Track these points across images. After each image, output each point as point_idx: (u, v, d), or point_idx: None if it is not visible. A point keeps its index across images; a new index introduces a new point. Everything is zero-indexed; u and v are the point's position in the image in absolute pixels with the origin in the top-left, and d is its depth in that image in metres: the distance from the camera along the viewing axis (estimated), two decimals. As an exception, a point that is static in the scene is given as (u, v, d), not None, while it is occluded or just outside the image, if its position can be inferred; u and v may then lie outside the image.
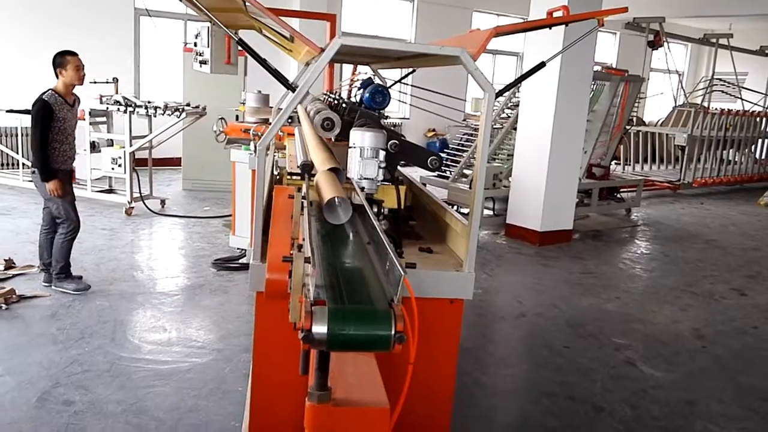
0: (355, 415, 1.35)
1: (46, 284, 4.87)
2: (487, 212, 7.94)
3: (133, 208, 7.44)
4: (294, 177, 2.51)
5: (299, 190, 1.96)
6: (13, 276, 5.06)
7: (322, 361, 1.32)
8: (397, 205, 2.35)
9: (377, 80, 4.22)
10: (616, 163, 11.40)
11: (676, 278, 6.39)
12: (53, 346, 3.94)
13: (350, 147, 2.21)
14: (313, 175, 2.05)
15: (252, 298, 4.99)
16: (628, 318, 5.15)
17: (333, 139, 3.42)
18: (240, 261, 5.83)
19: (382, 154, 2.18)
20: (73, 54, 4.73)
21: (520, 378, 4.08)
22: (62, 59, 4.69)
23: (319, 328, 1.20)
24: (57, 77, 4.72)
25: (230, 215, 6.41)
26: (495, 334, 4.85)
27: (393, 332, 1.22)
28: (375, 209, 2.21)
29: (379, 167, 2.17)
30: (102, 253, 5.90)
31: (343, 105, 3.76)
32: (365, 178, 2.17)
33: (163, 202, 7.93)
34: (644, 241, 8.14)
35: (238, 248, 5.96)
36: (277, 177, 3.28)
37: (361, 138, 2.21)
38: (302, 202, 1.94)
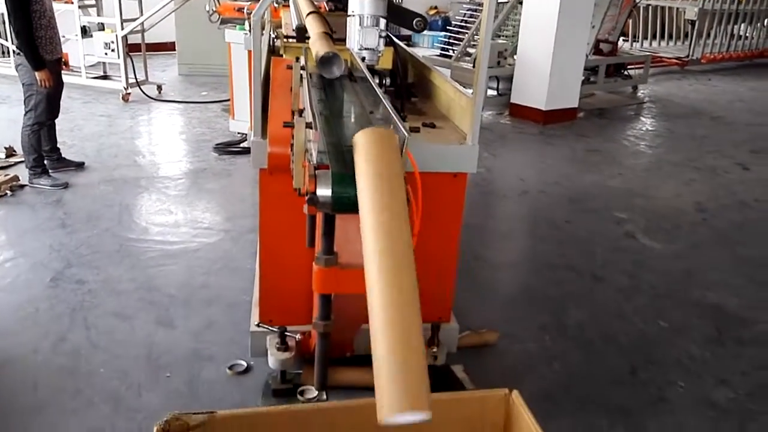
0: (361, 277, 1.38)
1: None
2: (490, 92, 7.79)
3: (129, 94, 7.32)
4: (290, 40, 2.44)
5: (297, 60, 1.90)
6: (15, 164, 5.05)
7: (327, 226, 1.33)
8: (392, 66, 2.30)
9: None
10: (624, 40, 11.04)
11: (680, 154, 6.37)
12: (62, 229, 4.00)
13: (349, 15, 2.12)
14: (308, 38, 2.00)
15: (255, 180, 5.03)
16: (630, 193, 5.18)
17: (328, 10, 3.30)
18: (241, 145, 5.79)
19: (382, 22, 2.10)
20: None
21: (522, 251, 4.16)
22: None
23: (324, 191, 1.20)
24: None
25: (228, 100, 6.32)
26: (498, 211, 4.90)
27: (397, 194, 1.21)
28: (377, 80, 2.15)
29: (380, 36, 2.09)
30: (102, 139, 5.86)
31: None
32: (366, 48, 2.10)
33: (159, 87, 7.78)
34: (650, 119, 8.05)
35: (238, 132, 5.91)
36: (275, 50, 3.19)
37: (360, 5, 2.11)
38: (301, 73, 1.89)
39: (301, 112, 1.46)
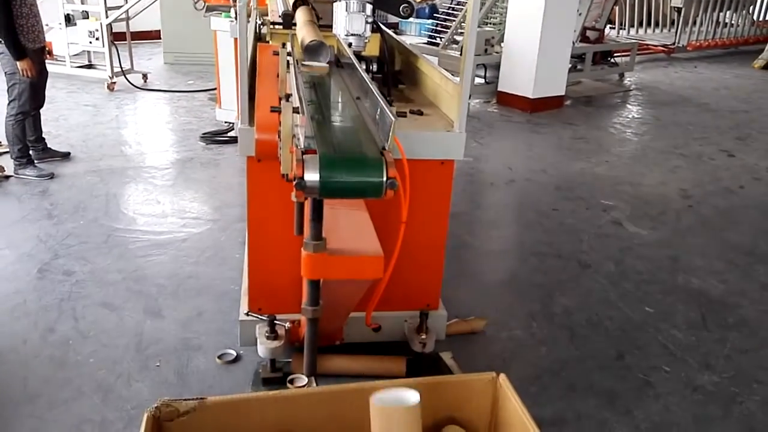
0: (350, 263, 1.39)
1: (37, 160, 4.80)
2: (478, 80, 7.79)
3: (115, 83, 7.25)
4: (276, 26, 2.43)
5: (284, 45, 1.89)
6: (0, 154, 5.00)
7: (315, 212, 1.33)
8: (379, 53, 2.29)
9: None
10: (610, 27, 11.06)
11: (666, 141, 6.41)
12: (48, 220, 3.97)
13: (336, 1, 2.11)
14: (295, 25, 1.99)
15: (243, 170, 5.01)
16: (616, 180, 5.21)
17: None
18: (228, 134, 5.77)
19: (368, 8, 2.09)
20: None
21: (509, 239, 4.18)
22: None
23: (311, 176, 1.20)
24: None
25: (215, 89, 6.28)
26: (485, 199, 4.92)
27: (385, 178, 1.22)
28: (363, 66, 2.15)
29: (367, 22, 2.09)
30: (87, 129, 5.81)
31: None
32: (353, 34, 2.09)
33: (145, 76, 7.71)
34: (636, 106, 8.08)
35: (225, 121, 5.89)
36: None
37: (347, -9, 2.11)
38: (288, 59, 1.89)
39: (288, 97, 1.46)
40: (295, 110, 1.37)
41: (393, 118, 1.27)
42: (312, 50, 1.89)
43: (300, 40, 2.06)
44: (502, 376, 1.49)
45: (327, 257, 1.34)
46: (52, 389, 2.50)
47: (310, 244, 1.34)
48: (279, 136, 1.71)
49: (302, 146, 1.26)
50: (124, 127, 6.07)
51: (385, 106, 1.35)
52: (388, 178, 1.21)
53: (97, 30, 7.14)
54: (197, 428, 1.34)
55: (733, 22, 12.43)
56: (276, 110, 1.43)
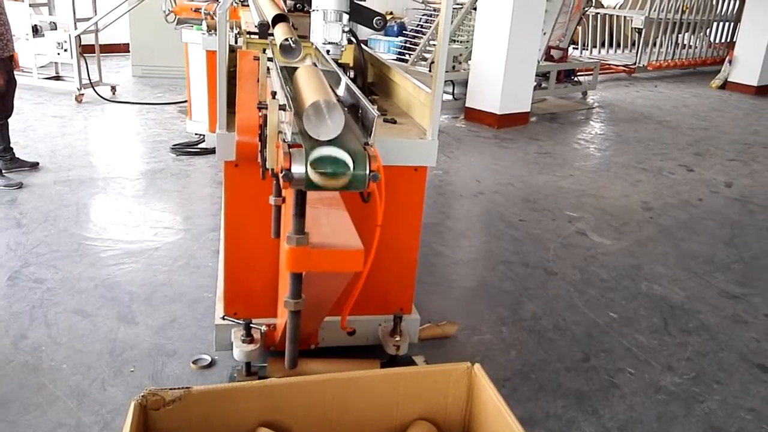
0: (332, 256, 1.44)
1: None
2: (446, 96, 7.94)
3: (83, 95, 7.20)
4: (252, 36, 2.48)
5: (264, 51, 1.95)
6: (-34, 164, 4.93)
7: (299, 207, 1.38)
8: (354, 63, 2.36)
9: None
10: (574, 47, 11.38)
11: (628, 156, 6.62)
12: (17, 229, 3.94)
13: (313, 10, 2.18)
14: (271, 34, 2.04)
15: (214, 180, 5.03)
16: (580, 193, 5.37)
17: (287, 10, 3.35)
18: (199, 146, 5.78)
19: (345, 17, 2.17)
20: None
21: (478, 248, 4.27)
22: None
23: (298, 168, 1.26)
24: None
25: (185, 101, 6.28)
26: (454, 210, 5.01)
27: (368, 171, 1.28)
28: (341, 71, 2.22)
29: (343, 31, 2.16)
30: (56, 140, 5.76)
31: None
32: (330, 43, 2.16)
33: (113, 88, 7.67)
34: (599, 123, 8.32)
35: (195, 133, 5.90)
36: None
37: (324, 0, 2.18)
38: (268, 65, 1.94)
39: (274, 93, 1.51)
40: (282, 107, 1.43)
41: (375, 114, 1.34)
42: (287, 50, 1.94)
43: (275, 37, 2.09)
44: (477, 366, 1.55)
45: (310, 250, 1.39)
46: (26, 394, 2.49)
47: (293, 238, 1.39)
48: (260, 139, 1.76)
49: (289, 140, 1.31)
50: (93, 138, 6.03)
51: (367, 104, 1.42)
52: (370, 171, 1.27)
53: (65, 41, 7.09)
54: (183, 417, 1.37)
55: (691, 43, 12.90)
56: (263, 107, 1.48)
